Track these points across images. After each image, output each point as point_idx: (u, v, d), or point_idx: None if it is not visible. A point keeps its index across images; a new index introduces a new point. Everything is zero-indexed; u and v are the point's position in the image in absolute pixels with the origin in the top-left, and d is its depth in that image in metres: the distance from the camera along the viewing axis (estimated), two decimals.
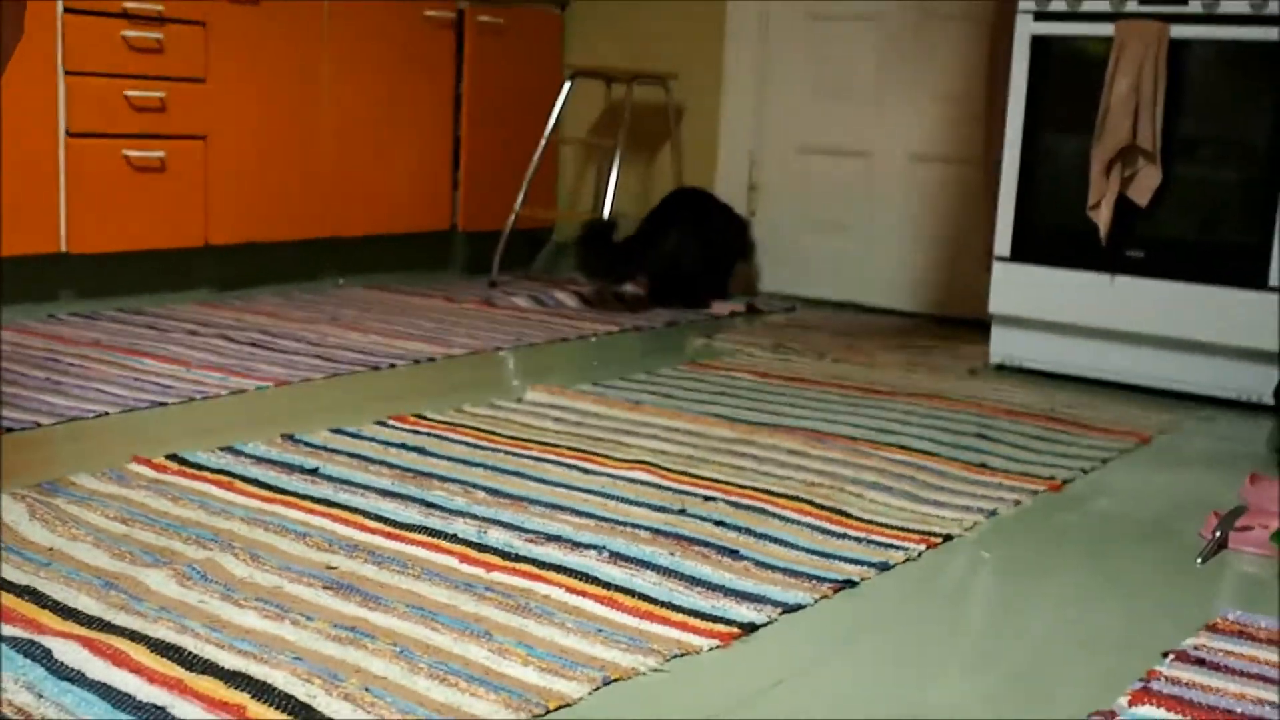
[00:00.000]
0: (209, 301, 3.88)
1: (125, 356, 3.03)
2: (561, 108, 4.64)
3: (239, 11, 3.88)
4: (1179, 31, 3.12)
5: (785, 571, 1.84)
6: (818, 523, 2.07)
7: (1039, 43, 3.33)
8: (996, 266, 3.44)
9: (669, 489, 2.20)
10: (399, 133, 4.39)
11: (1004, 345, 3.47)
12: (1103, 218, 3.21)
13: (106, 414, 2.53)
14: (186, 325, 3.46)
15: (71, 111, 3.51)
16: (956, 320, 4.23)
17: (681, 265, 4.23)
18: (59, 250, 3.54)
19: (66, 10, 3.47)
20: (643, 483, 2.23)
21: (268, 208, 4.03)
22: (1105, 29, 3.20)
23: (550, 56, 4.93)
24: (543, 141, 4.60)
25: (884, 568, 1.90)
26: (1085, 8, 3.25)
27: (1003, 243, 3.43)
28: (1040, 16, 3.32)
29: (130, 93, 3.61)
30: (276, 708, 1.33)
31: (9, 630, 1.49)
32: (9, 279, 3.47)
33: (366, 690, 1.39)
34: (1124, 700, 1.48)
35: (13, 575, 1.66)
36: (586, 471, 2.29)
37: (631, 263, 4.23)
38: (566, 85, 4.64)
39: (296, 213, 4.10)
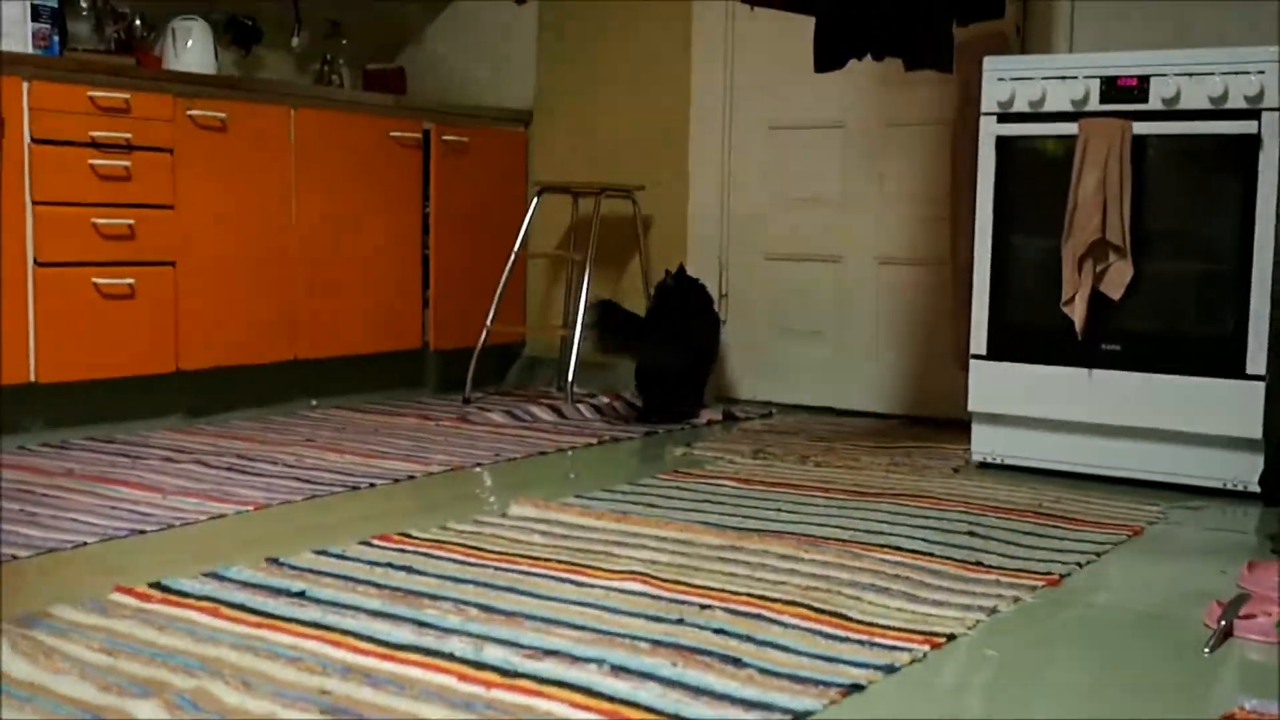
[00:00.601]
0: (181, 427, 3.84)
1: (100, 485, 2.97)
2: (529, 222, 4.66)
3: (206, 137, 3.88)
4: (1141, 128, 3.17)
5: (790, 678, 1.80)
6: (818, 627, 2.03)
7: (1004, 144, 3.38)
8: (974, 365, 3.45)
9: (664, 599, 2.16)
10: (368, 252, 4.39)
11: (986, 443, 3.47)
12: (1077, 313, 3.22)
13: (85, 544, 2.48)
14: (160, 451, 3.41)
15: (39, 241, 3.48)
16: (933, 420, 4.23)
17: (670, 373, 4.21)
18: (29, 380, 3.49)
19: (34, 141, 3.47)
20: (637, 593, 2.20)
21: (238, 331, 4.00)
22: (1069, 128, 3.24)
23: (516, 172, 4.96)
24: (512, 256, 4.61)
25: (890, 670, 1.86)
26: (1047, 108, 3.30)
27: (978, 341, 3.44)
28: (1004, 119, 3.37)
29: (99, 220, 3.60)
30: None
31: None
32: None
33: None
34: None
35: None
36: (579, 584, 2.25)
37: (644, 336, 4.23)
38: (534, 200, 4.66)
39: (267, 335, 4.08)
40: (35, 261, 3.48)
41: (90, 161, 3.58)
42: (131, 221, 3.68)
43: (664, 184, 4.75)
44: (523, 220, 4.66)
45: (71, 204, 3.55)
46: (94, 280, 3.61)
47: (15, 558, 2.37)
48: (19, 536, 2.49)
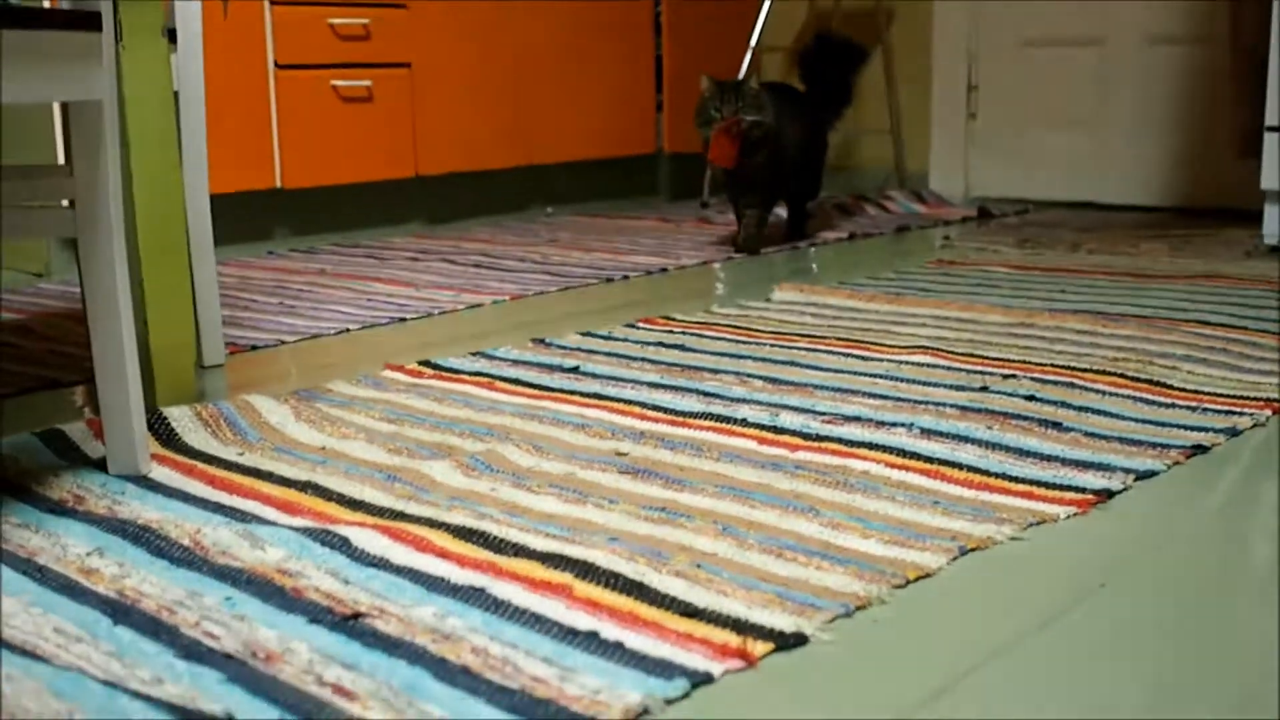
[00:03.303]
0: (421, 233, 3.79)
1: (353, 282, 2.94)
2: (764, 19, 4.44)
3: None
4: None
5: (1122, 440, 1.63)
6: (1137, 394, 1.85)
7: None
8: (1268, 138, 3.14)
9: (961, 370, 2.01)
10: (601, 55, 4.23)
11: None
12: None
13: (348, 330, 2.43)
14: (405, 253, 3.36)
15: (279, 42, 3.43)
16: (1205, 211, 3.92)
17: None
18: (274, 186, 3.47)
19: None
20: (930, 365, 2.04)
21: (474, 136, 3.92)
22: None
23: None
24: (748, 55, 4.40)
25: (1233, 433, 1.67)
26: None
27: (1273, 112, 3.12)
28: None
29: (335, 20, 3.52)
30: (605, 586, 1.18)
31: (299, 521, 1.37)
32: (224, 218, 3.40)
33: (699, 567, 1.23)
34: None
35: (288, 472, 1.55)
36: (864, 359, 2.10)
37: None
38: None
39: (502, 141, 3.99)
40: (275, 64, 3.43)
41: None
42: (366, 21, 3.60)
43: None
44: (757, 17, 4.43)
45: (307, 2, 3.48)
46: (332, 83, 3.55)
47: (282, 342, 2.33)
48: (281, 325, 2.46)
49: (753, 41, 4.38)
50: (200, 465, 1.58)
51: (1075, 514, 1.39)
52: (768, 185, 3.34)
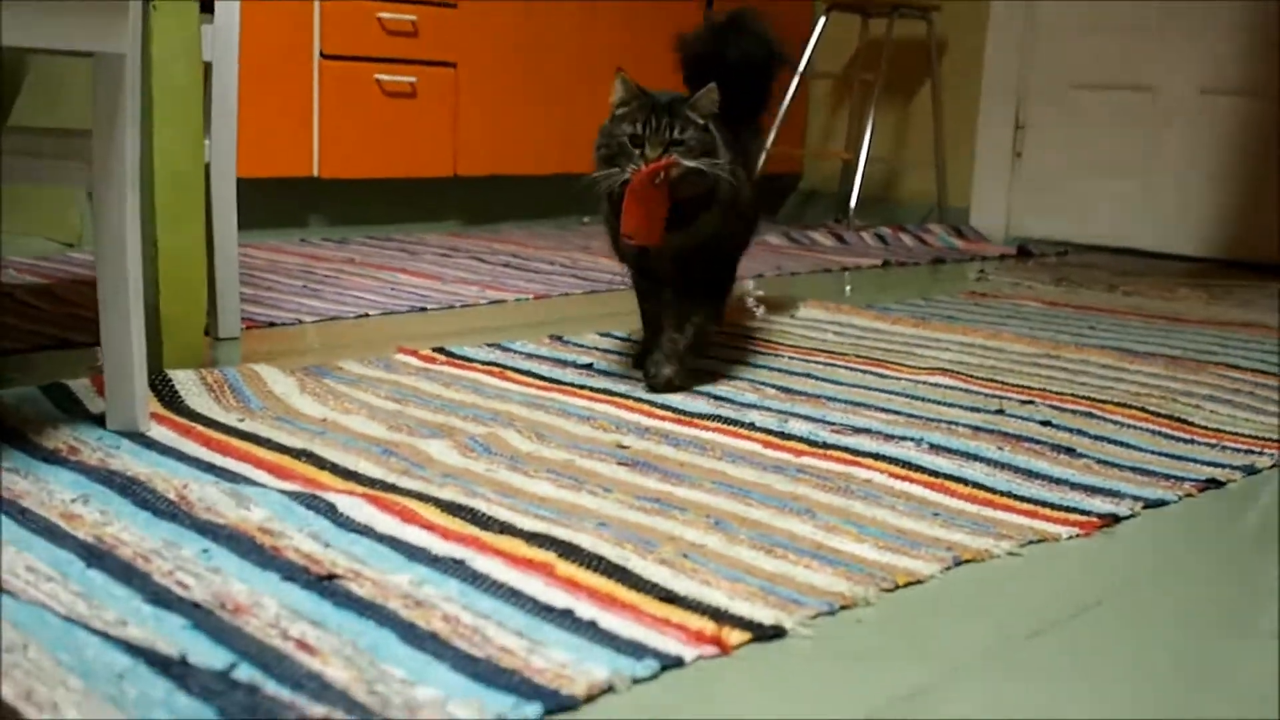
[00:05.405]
0: (455, 232, 3.79)
1: (380, 272, 2.93)
2: (815, 42, 4.42)
3: None
4: None
5: (1135, 470, 1.60)
6: (1157, 429, 1.81)
7: None
8: None
9: (978, 393, 1.97)
10: (650, 64, 4.22)
11: None
12: None
13: (366, 315, 2.42)
14: (437, 250, 3.36)
15: (326, 33, 3.44)
16: (1250, 265, 3.87)
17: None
18: (312, 174, 3.48)
19: None
20: (947, 386, 2.01)
21: (515, 140, 3.91)
22: None
23: None
24: (795, 78, 4.38)
25: (1250, 471, 1.63)
26: None
27: None
28: None
29: (384, 14, 3.53)
30: (586, 567, 1.16)
31: (288, 486, 1.36)
32: (259, 202, 3.41)
33: (685, 557, 1.20)
34: None
35: (285, 440, 1.54)
36: (882, 376, 2.07)
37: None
38: (822, 19, 4.41)
39: (543, 147, 3.98)
40: (321, 53, 3.44)
41: None
42: (414, 17, 3.60)
43: (960, 8, 4.43)
44: (808, 40, 4.42)
45: None
46: (377, 76, 3.55)
47: (300, 321, 2.32)
48: (302, 306, 2.45)
49: (801, 67, 4.37)
50: (199, 427, 1.57)
51: (1078, 535, 1.36)
52: (717, 272, 2.02)
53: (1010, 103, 4.38)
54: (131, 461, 1.42)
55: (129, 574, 1.09)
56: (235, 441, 1.52)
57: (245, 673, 0.91)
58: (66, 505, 1.26)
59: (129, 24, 1.45)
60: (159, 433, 1.54)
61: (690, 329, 1.91)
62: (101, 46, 1.43)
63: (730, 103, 1.88)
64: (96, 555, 1.13)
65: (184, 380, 1.71)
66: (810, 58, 4.41)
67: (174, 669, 0.90)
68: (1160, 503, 1.48)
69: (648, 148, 1.79)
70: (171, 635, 0.98)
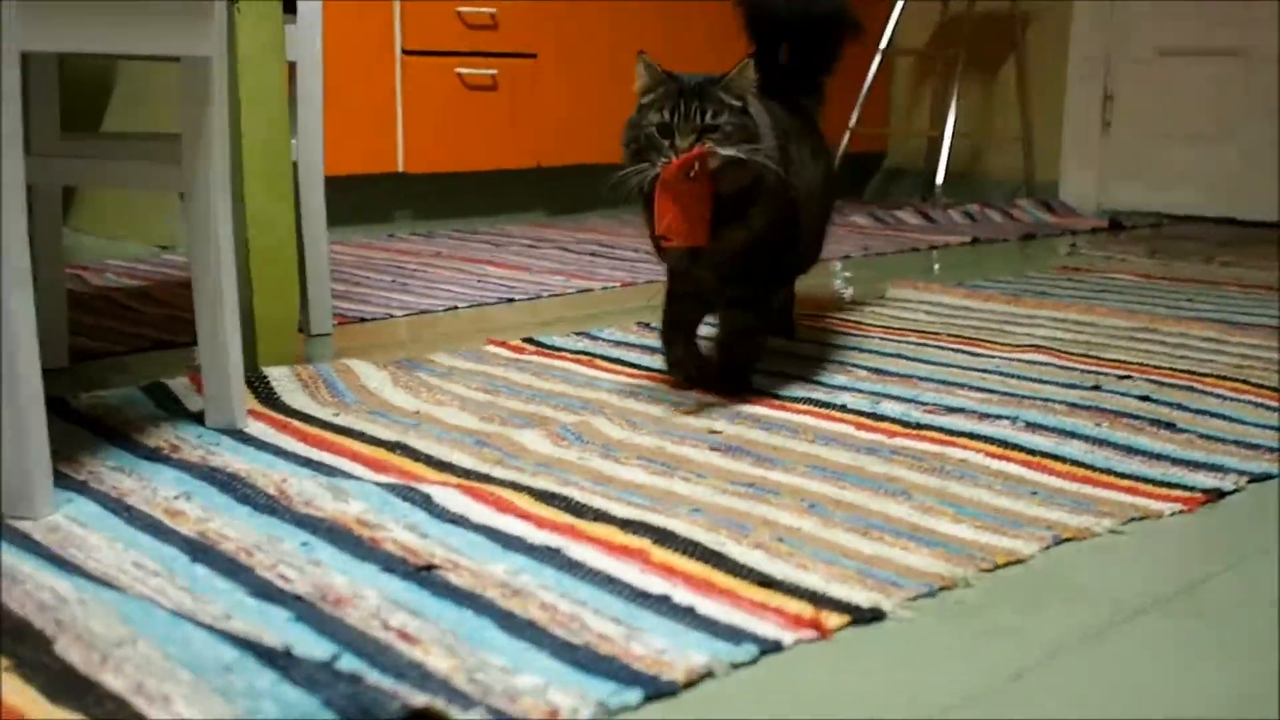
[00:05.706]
0: (540, 223, 3.80)
1: (467, 264, 2.95)
2: (897, 19, 4.37)
3: None
4: None
5: (1239, 444, 1.56)
6: (1260, 400, 1.77)
7: None
8: None
9: (1074, 369, 1.94)
10: (725, 51, 4.20)
11: None
12: None
13: (455, 308, 2.44)
14: (522, 241, 3.37)
15: (407, 29, 3.46)
16: None
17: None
18: (397, 170, 3.51)
19: None
20: (1042, 364, 1.98)
21: (598, 130, 3.91)
22: None
23: None
24: (877, 57, 4.34)
25: None
26: None
27: None
28: None
29: (463, 8, 3.55)
30: (682, 553, 1.16)
31: (385, 479, 1.37)
32: (346, 199, 3.44)
33: (780, 540, 1.20)
34: None
35: (380, 433, 1.55)
36: (974, 354, 2.05)
37: None
38: None
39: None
40: (402, 50, 3.46)
41: None
42: (494, 10, 3.62)
43: None
44: (889, 16, 4.37)
45: None
46: (458, 70, 3.57)
47: (391, 316, 2.35)
48: (392, 300, 2.48)
49: (883, 44, 4.33)
50: (295, 423, 1.59)
51: (1181, 511, 1.33)
52: (770, 269, 1.82)
53: (1098, 73, 4.31)
54: (231, 458, 1.44)
55: (232, 568, 1.11)
56: (331, 436, 1.54)
57: (348, 663, 0.93)
58: (170, 502, 1.28)
59: (214, 27, 1.47)
60: (257, 429, 1.56)
61: (740, 333, 1.79)
62: (188, 50, 1.45)
63: (794, 66, 1.77)
64: (201, 550, 1.15)
65: (279, 377, 1.73)
66: (892, 35, 4.37)
67: (279, 660, 0.91)
68: (1266, 476, 1.45)
69: (678, 137, 1.61)
70: (276, 627, 0.99)
